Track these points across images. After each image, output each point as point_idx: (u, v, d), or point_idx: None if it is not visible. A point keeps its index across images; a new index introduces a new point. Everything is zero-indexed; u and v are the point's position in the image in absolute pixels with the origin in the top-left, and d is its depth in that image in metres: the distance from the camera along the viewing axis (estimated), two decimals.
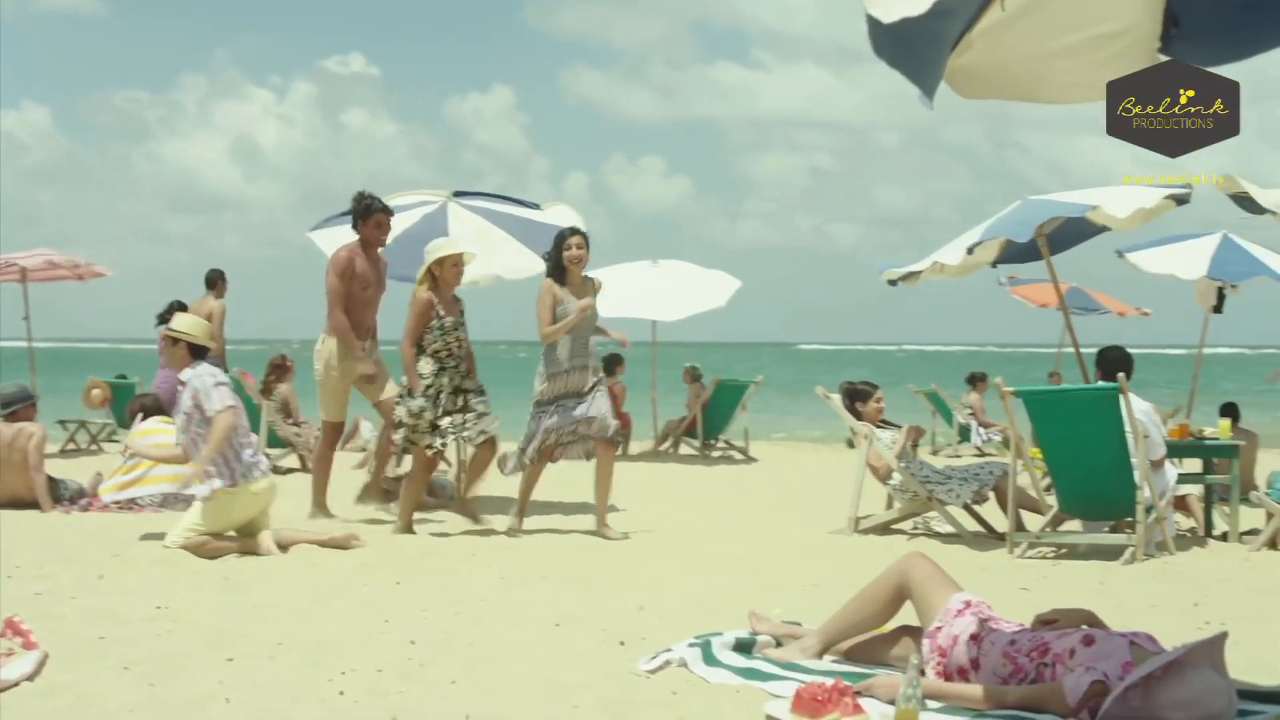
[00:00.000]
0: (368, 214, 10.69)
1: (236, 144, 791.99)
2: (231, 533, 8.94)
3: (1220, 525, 11.00)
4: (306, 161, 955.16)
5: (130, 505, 11.05)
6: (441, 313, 10.11)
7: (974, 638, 5.14)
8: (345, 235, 11.03)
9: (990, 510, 10.87)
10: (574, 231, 10.50)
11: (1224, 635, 4.64)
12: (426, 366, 10.04)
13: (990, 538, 10.67)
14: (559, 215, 12.42)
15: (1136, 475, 9.40)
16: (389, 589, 7.48)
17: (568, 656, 5.75)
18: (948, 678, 5.13)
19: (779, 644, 5.84)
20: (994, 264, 11.65)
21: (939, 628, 5.25)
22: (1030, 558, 9.55)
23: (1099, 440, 9.40)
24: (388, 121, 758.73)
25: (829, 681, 4.77)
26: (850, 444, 21.81)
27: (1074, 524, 10.15)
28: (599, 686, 5.18)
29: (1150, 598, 7.66)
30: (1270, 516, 10.27)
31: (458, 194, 12.43)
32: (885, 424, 11.37)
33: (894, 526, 11.15)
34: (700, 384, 20.03)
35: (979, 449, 21.87)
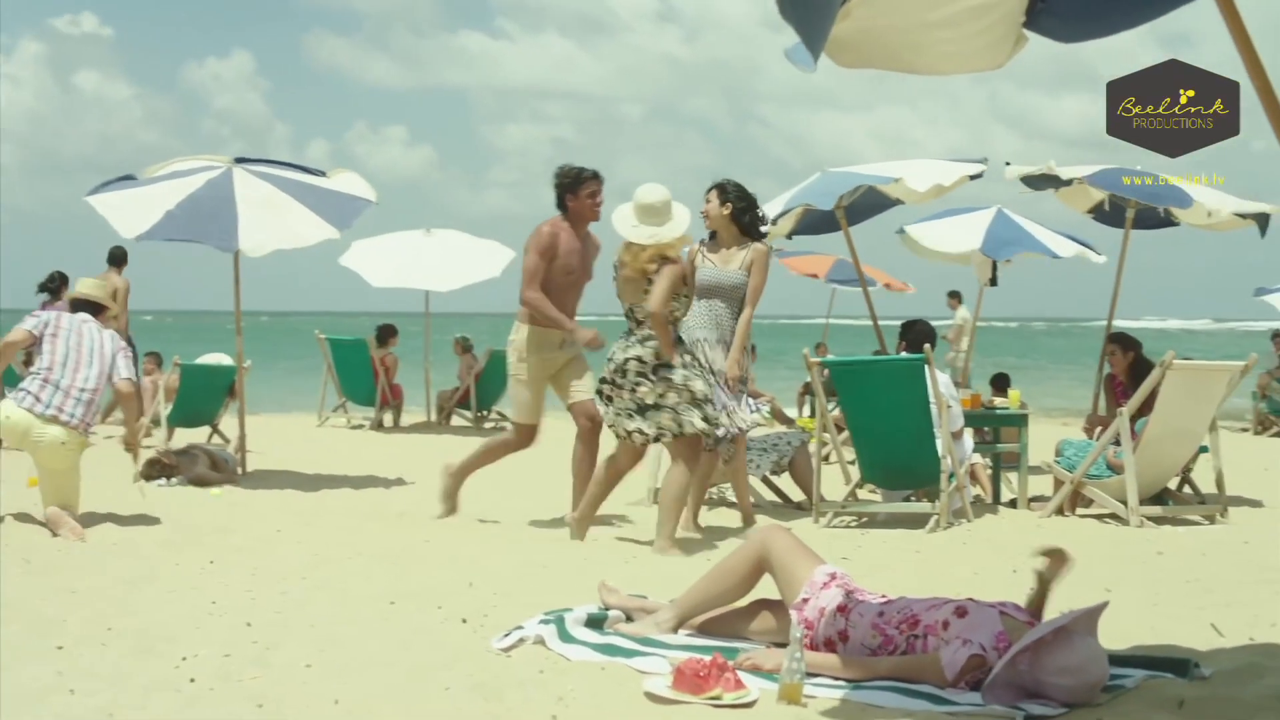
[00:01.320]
0: (578, 184, 9.21)
1: None
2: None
3: (1006, 493, 11.29)
4: (36, 124, 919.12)
5: None
6: (688, 279, 8.70)
7: (841, 610, 5.10)
8: (126, 202, 10.50)
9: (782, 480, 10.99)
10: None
11: (1104, 605, 4.69)
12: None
13: (788, 508, 10.75)
14: (346, 183, 12.08)
15: (939, 445, 9.54)
16: (203, 569, 7.15)
17: (415, 635, 5.55)
18: (815, 649, 5.08)
19: (629, 618, 5.72)
20: (789, 235, 11.69)
21: (805, 600, 5.20)
22: (836, 527, 9.63)
23: (905, 410, 9.51)
24: (122, 84, 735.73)
25: (706, 657, 4.67)
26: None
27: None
28: (459, 666, 5.00)
29: (971, 565, 7.79)
30: (1058, 483, 10.56)
31: (240, 160, 11.96)
32: None
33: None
34: (472, 355, 19.81)
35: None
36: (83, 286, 9.48)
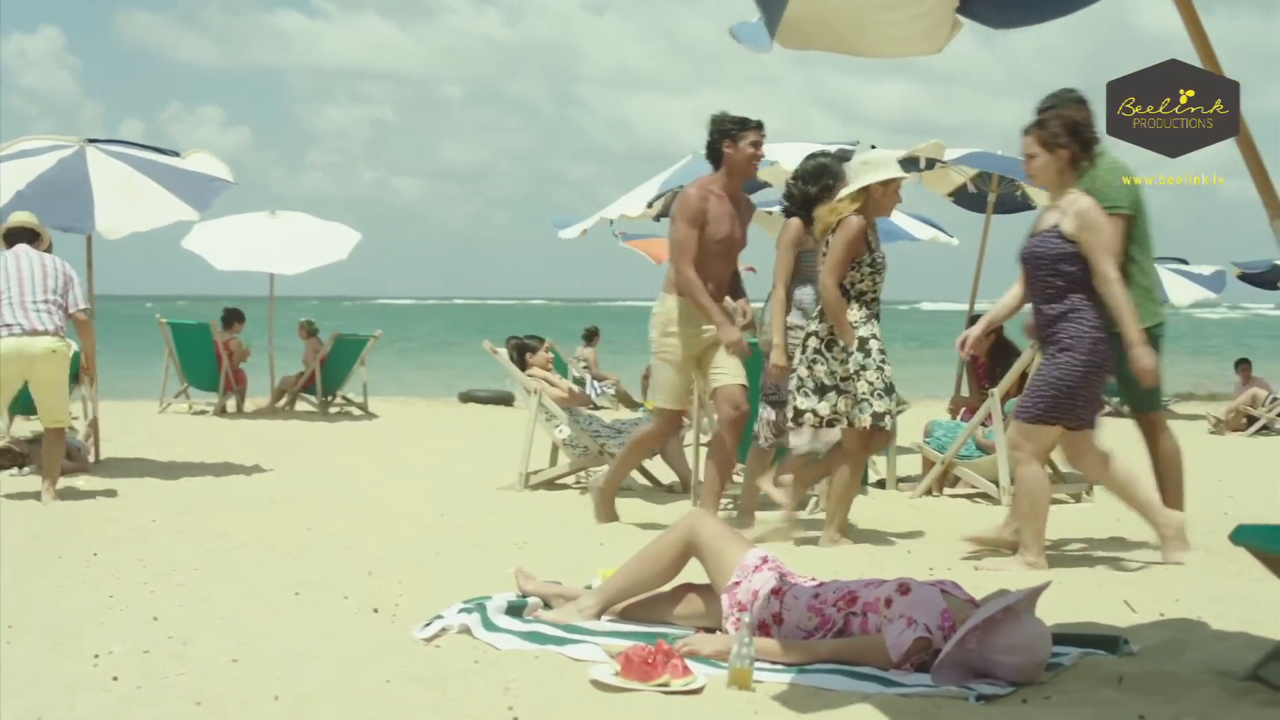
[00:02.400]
0: (742, 130, 8.30)
1: None
2: None
3: (871, 474, 11.41)
4: None
5: None
6: (874, 244, 7.94)
7: (775, 592, 5.08)
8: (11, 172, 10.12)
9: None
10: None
11: (1048, 583, 4.74)
12: (854, 313, 7.89)
13: (659, 490, 10.76)
14: (203, 163, 11.79)
15: None
16: (89, 562, 6.90)
17: (333, 627, 5.42)
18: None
19: (547, 605, 5.64)
20: (656, 218, 11.66)
21: (736, 583, 5.17)
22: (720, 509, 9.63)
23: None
24: None
25: (650, 644, 4.62)
26: (507, 403, 21.82)
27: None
28: (390, 658, 4.88)
29: (862, 546, 7.84)
30: (927, 464, 10.72)
31: (92, 140, 11.59)
32: (549, 369, 11.33)
33: (559, 481, 11.09)
34: (317, 339, 19.52)
35: (593, 403, 22.08)
36: (15, 218, 9.81)
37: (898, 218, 14.91)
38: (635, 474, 10.86)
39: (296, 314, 20.82)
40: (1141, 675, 4.59)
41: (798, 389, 7.94)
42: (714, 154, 8.38)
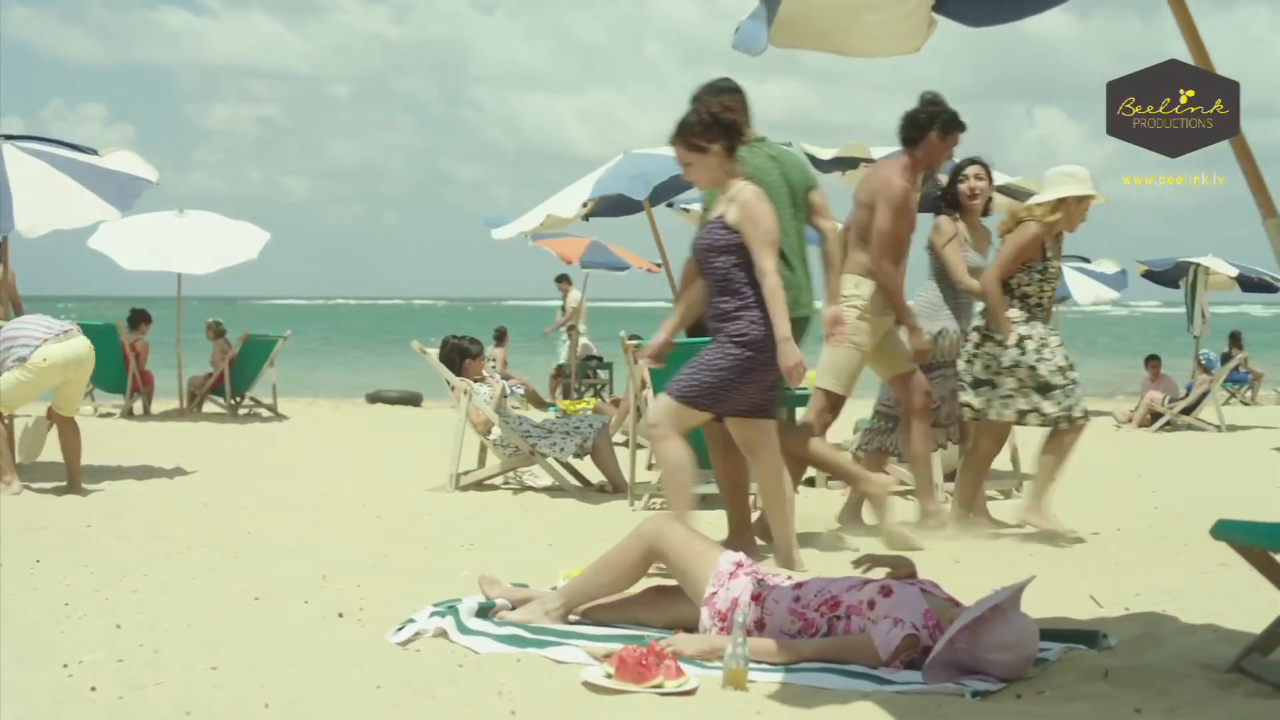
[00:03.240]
0: (954, 125, 8.00)
1: None
2: None
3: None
4: None
5: None
6: (1049, 254, 7.96)
7: (755, 598, 5.06)
8: None
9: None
10: (972, 160, 8.49)
11: (1031, 579, 4.77)
12: (1012, 312, 7.92)
13: (589, 490, 10.72)
14: (123, 161, 11.57)
15: None
16: (32, 569, 6.70)
17: (303, 632, 5.33)
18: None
19: (513, 608, 5.60)
20: (586, 218, 11.62)
21: (714, 593, 5.14)
22: (655, 508, 9.61)
23: None
24: None
25: (641, 645, 4.59)
26: (415, 403, 21.70)
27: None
28: (371, 663, 4.81)
29: (810, 545, 7.84)
30: (858, 461, 10.74)
31: (8, 137, 11.32)
32: (479, 379, 11.25)
33: (487, 482, 11.02)
34: (226, 340, 19.25)
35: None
36: None
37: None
38: (566, 474, 10.82)
39: (196, 315, 20.41)
40: (1126, 669, 4.65)
41: (965, 383, 8.05)
42: (915, 139, 8.03)
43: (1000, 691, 4.44)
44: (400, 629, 5.26)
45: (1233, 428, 18.08)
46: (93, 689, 4.45)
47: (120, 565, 6.83)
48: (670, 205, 14.59)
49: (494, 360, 22.63)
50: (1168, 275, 20.83)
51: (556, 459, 10.76)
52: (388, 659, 4.89)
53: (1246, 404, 23.99)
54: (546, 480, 11.05)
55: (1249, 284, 20.96)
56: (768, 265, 6.69)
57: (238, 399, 19.17)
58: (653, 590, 5.54)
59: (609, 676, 4.50)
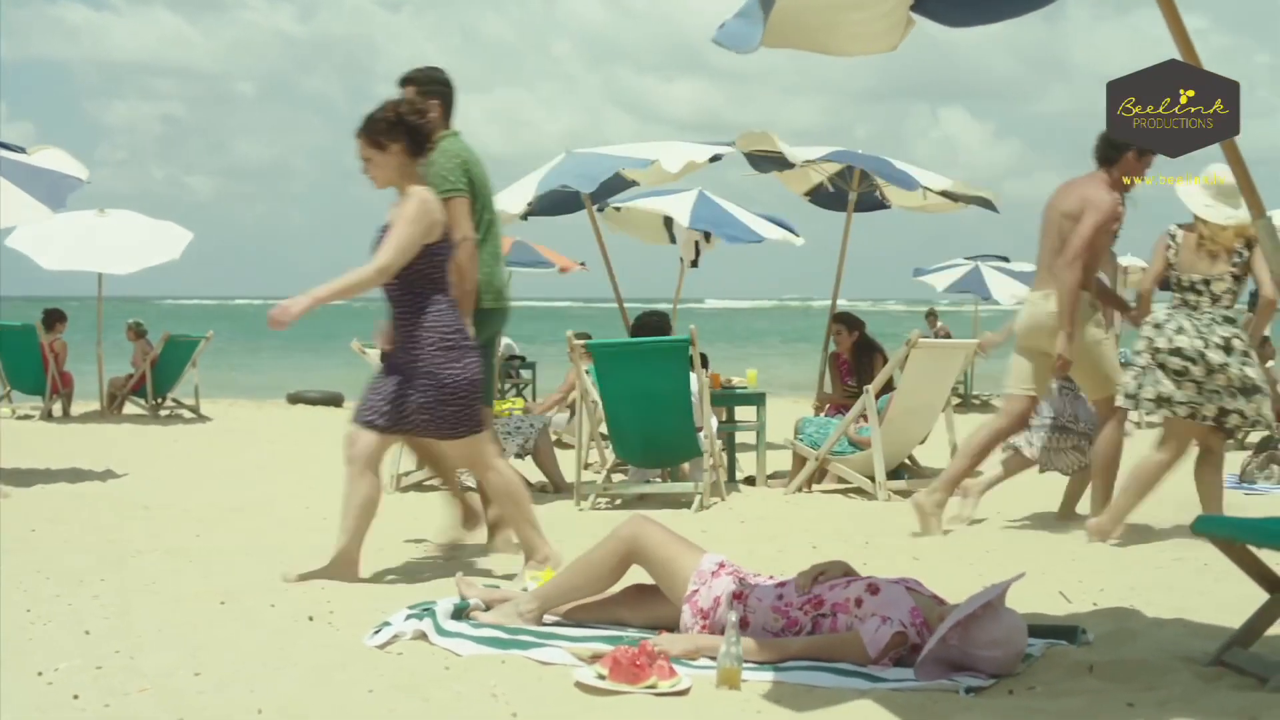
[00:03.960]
0: (1147, 149, 7.72)
1: None
2: None
3: (742, 469, 11.52)
4: None
5: None
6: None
7: (737, 596, 5.07)
8: None
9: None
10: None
11: (1021, 575, 4.82)
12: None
13: (532, 490, 10.67)
14: (52, 159, 11.38)
15: (701, 424, 9.70)
16: None
17: (278, 635, 5.24)
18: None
19: (487, 608, 5.57)
20: (524, 216, 11.58)
21: (696, 591, 5.14)
22: (600, 509, 9.62)
23: (669, 390, 9.58)
24: None
25: (631, 646, 4.59)
26: (337, 404, 21.52)
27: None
28: (355, 666, 4.75)
29: (775, 543, 7.89)
30: (798, 460, 10.81)
31: None
32: None
33: (427, 483, 10.94)
34: (146, 341, 19.02)
35: None
36: None
37: (742, 215, 15.05)
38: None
39: (109, 316, 20.02)
40: (1110, 664, 4.70)
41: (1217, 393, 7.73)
42: (1114, 155, 8.02)
43: (991, 687, 4.48)
44: (377, 632, 5.21)
45: (1152, 425, 18.31)
46: (75, 697, 4.36)
47: (75, 570, 6.69)
48: (601, 209, 14.61)
49: None
50: None
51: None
52: (370, 662, 4.83)
53: None
54: None
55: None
56: (381, 260, 6.35)
57: (159, 400, 18.94)
58: (630, 590, 5.53)
59: (601, 677, 4.48)
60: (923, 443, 10.95)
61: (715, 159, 10.76)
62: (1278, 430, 11.68)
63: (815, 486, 10.73)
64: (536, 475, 11.00)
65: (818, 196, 12.94)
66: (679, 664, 4.70)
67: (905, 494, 10.18)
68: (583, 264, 22.67)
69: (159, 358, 18.71)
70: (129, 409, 18.99)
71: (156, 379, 18.77)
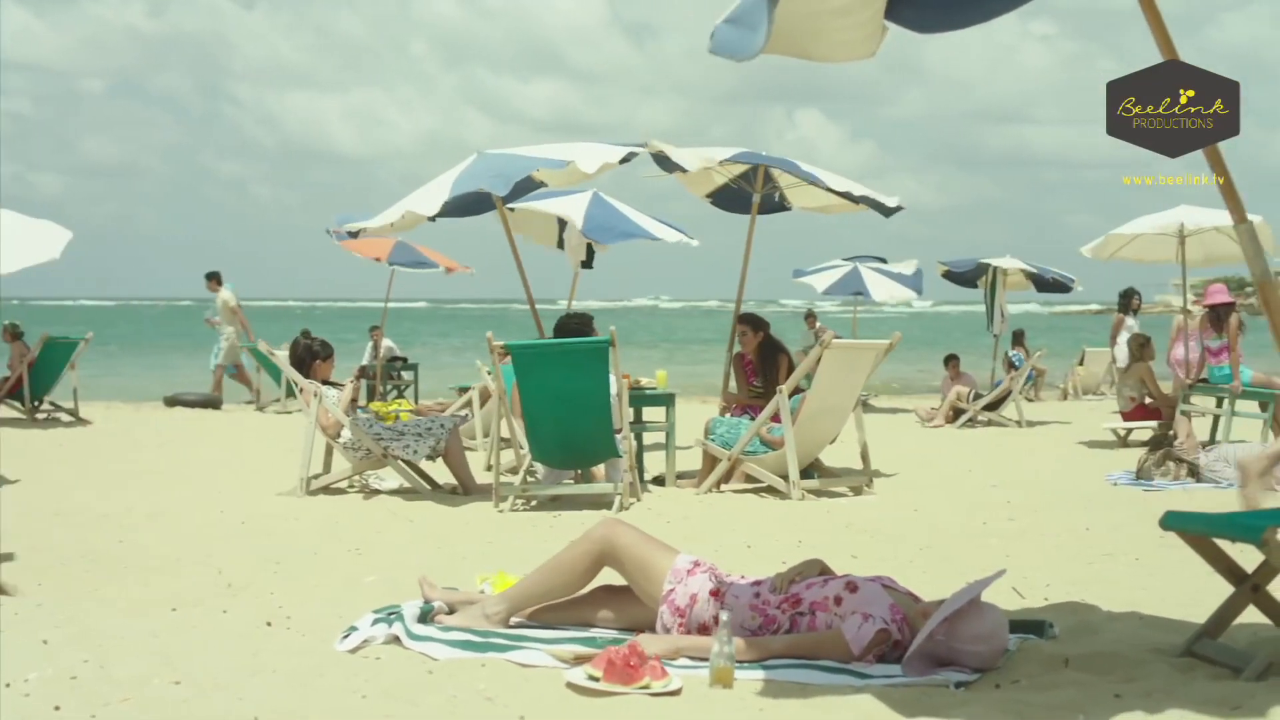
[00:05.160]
0: None
1: None
2: None
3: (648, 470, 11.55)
4: None
5: None
6: None
7: (714, 594, 5.10)
8: None
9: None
10: None
11: (1002, 572, 4.90)
12: None
13: (439, 492, 10.61)
14: None
15: (617, 425, 9.73)
16: None
17: (245, 642, 5.18)
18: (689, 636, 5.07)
19: (450, 611, 5.55)
20: (433, 218, 11.47)
21: (672, 590, 5.16)
22: (519, 510, 9.59)
23: (589, 391, 9.57)
24: None
25: (622, 648, 4.59)
26: (215, 406, 21.19)
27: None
28: (335, 672, 4.71)
29: (709, 541, 7.90)
30: (708, 459, 10.86)
31: None
32: (329, 383, 11.08)
33: (334, 485, 10.84)
34: (23, 343, 18.57)
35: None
36: None
37: (636, 216, 15.06)
38: (418, 477, 10.68)
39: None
40: (1083, 656, 4.81)
41: None
42: None
43: (977, 682, 4.56)
44: (345, 637, 5.17)
45: (1031, 423, 18.70)
46: (57, 708, 4.27)
47: (9, 579, 6.53)
48: (510, 208, 14.54)
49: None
50: (967, 275, 21.44)
51: (409, 461, 10.65)
52: (348, 667, 4.79)
53: (1030, 400, 24.83)
54: (392, 483, 10.95)
55: (1043, 284, 21.70)
56: None
57: (36, 403, 18.51)
58: (598, 591, 5.53)
59: (593, 679, 4.48)
60: (832, 443, 11.06)
61: (627, 159, 10.76)
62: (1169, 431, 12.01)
63: (724, 486, 10.79)
64: (445, 477, 10.96)
65: (719, 198, 13.01)
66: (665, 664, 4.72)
67: (817, 493, 10.30)
68: (466, 266, 22.54)
69: (36, 360, 18.28)
70: (4, 412, 18.53)
71: (35, 381, 18.34)
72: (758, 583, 5.16)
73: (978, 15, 5.06)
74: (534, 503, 9.90)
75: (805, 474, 10.54)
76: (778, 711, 4.24)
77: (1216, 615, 4.89)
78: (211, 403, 21.70)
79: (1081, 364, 25.72)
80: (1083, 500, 9.93)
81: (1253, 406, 14.13)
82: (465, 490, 10.62)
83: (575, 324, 10.38)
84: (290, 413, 21.01)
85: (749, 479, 10.77)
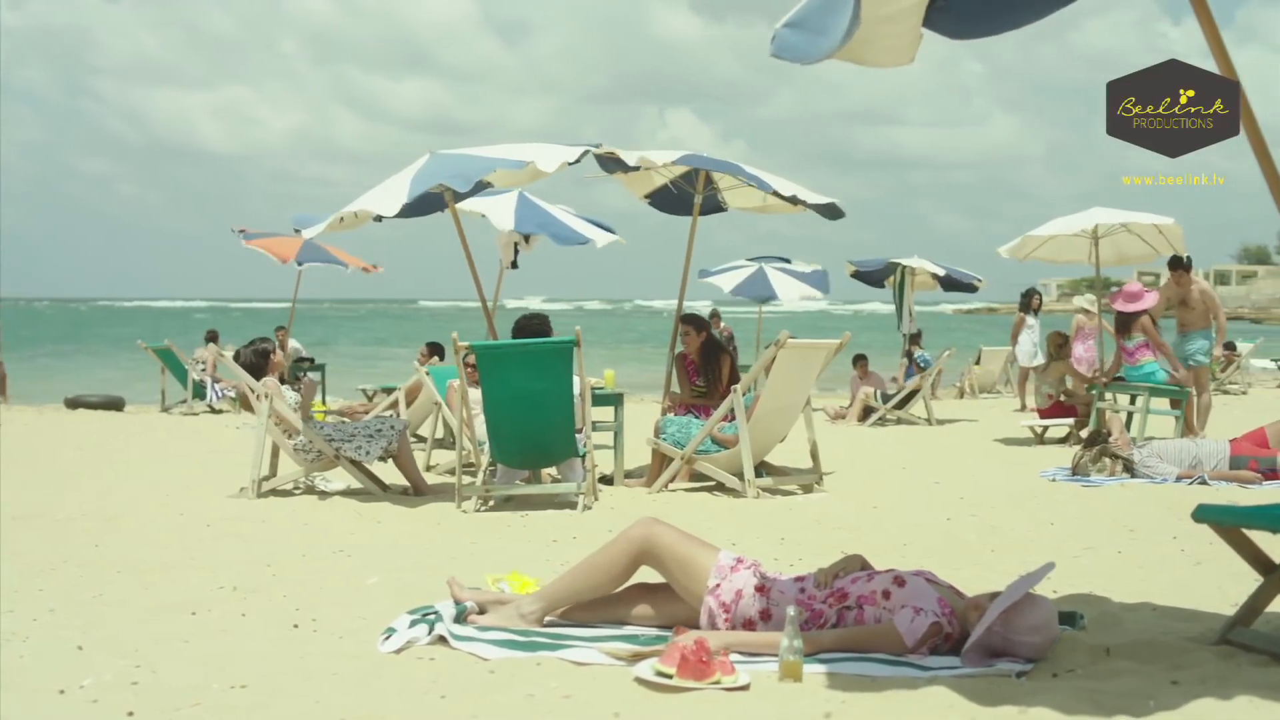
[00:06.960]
0: None
1: None
2: None
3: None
4: None
5: None
6: None
7: (759, 589, 5.18)
8: None
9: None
10: None
11: (1051, 565, 5.03)
12: None
13: (392, 493, 10.57)
14: None
15: (580, 425, 9.78)
16: None
17: (285, 646, 5.16)
18: (734, 630, 5.15)
19: (481, 611, 5.57)
20: (379, 218, 11.40)
21: (718, 585, 5.23)
22: (482, 511, 9.59)
23: (552, 392, 9.59)
24: None
25: (688, 644, 4.64)
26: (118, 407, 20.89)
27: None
28: (392, 673, 4.71)
29: None
30: (658, 458, 10.94)
31: None
32: (285, 380, 11.02)
33: (279, 488, 10.75)
34: None
35: (212, 406, 21.48)
36: None
37: (564, 216, 15.09)
38: (368, 479, 10.62)
39: None
40: (1124, 646, 4.94)
41: None
42: None
43: (1034, 671, 4.68)
44: (386, 638, 5.17)
45: (940, 421, 19.01)
46: (130, 714, 4.24)
47: (6, 586, 6.42)
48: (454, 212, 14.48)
49: (203, 362, 22.01)
50: (876, 275, 21.72)
51: (359, 462, 10.60)
52: (404, 668, 4.79)
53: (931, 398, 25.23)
54: (338, 485, 10.90)
55: (951, 284, 22.04)
56: None
57: None
58: (634, 589, 5.58)
59: (663, 675, 4.52)
60: (782, 441, 11.18)
61: (580, 159, 10.78)
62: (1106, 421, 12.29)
63: (673, 484, 10.86)
64: (395, 477, 10.94)
65: (658, 199, 13.07)
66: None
67: (771, 491, 10.42)
68: (375, 266, 22.41)
69: None
70: None
71: None
72: (801, 578, 5.25)
73: (1010, 22, 5.18)
74: (491, 503, 9.90)
75: (755, 472, 10.65)
76: (857, 705, 4.30)
77: (1249, 603, 5.06)
78: (114, 404, 21.42)
79: (978, 363, 26.16)
80: (1029, 496, 10.11)
81: (1164, 404, 14.57)
82: (417, 491, 10.59)
83: (536, 324, 10.40)
84: (197, 414, 20.79)
85: (697, 477, 10.87)
